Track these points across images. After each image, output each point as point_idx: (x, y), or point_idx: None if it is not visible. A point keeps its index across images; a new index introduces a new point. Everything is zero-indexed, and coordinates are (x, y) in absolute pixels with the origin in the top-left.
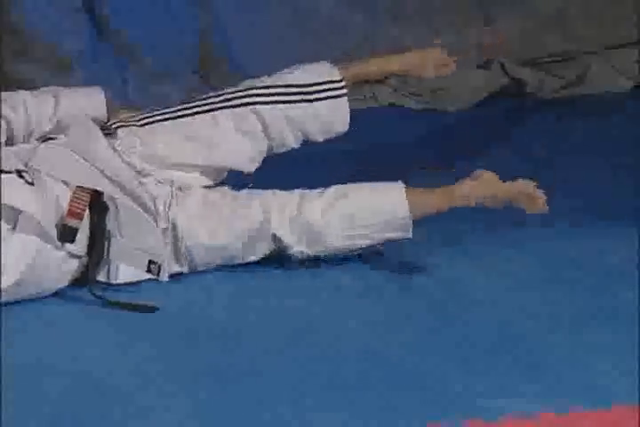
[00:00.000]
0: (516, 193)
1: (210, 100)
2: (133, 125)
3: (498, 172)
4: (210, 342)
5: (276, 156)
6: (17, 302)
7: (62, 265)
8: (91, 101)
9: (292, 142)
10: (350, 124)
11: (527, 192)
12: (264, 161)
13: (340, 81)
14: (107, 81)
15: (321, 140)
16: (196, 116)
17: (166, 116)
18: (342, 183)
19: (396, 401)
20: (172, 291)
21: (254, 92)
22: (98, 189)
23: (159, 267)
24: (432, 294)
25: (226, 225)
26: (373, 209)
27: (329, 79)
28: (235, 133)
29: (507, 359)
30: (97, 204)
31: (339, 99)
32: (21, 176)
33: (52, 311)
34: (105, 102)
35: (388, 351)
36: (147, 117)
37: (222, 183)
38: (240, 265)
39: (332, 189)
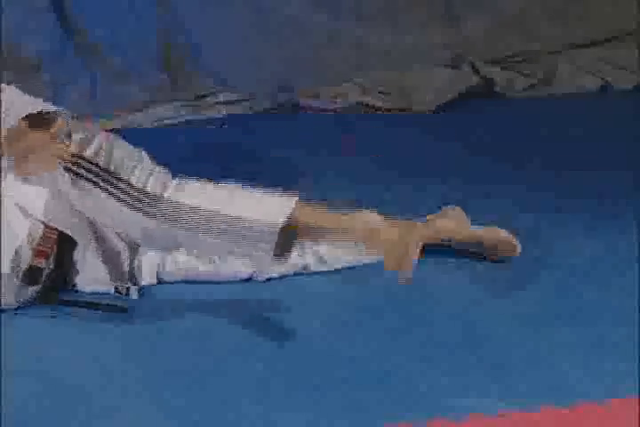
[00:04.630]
0: (490, 238)
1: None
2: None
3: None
4: (174, 343)
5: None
6: None
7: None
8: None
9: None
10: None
11: (503, 240)
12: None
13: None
14: (73, 81)
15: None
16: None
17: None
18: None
19: (361, 401)
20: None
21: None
22: (68, 233)
23: (127, 288)
24: (396, 294)
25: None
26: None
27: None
28: None
29: (471, 359)
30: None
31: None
32: None
33: (18, 312)
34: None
35: (353, 351)
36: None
37: None
38: None
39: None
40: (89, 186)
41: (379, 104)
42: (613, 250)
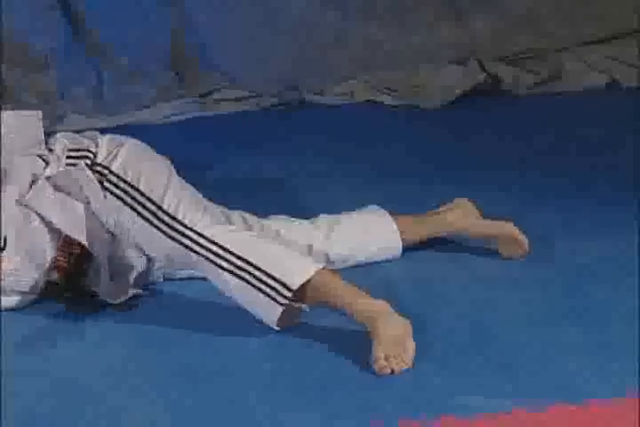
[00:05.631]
0: (499, 233)
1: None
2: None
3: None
4: (182, 342)
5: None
6: None
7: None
8: (26, 125)
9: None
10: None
11: (511, 236)
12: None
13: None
14: (80, 79)
15: None
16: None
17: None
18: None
19: (370, 400)
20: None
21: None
22: (87, 247)
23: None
24: (404, 293)
25: None
26: (367, 245)
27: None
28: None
29: (480, 358)
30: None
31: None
32: None
33: (25, 311)
34: (41, 126)
35: (361, 350)
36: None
37: None
38: None
39: (324, 220)
40: (118, 202)
41: (386, 101)
42: (622, 249)
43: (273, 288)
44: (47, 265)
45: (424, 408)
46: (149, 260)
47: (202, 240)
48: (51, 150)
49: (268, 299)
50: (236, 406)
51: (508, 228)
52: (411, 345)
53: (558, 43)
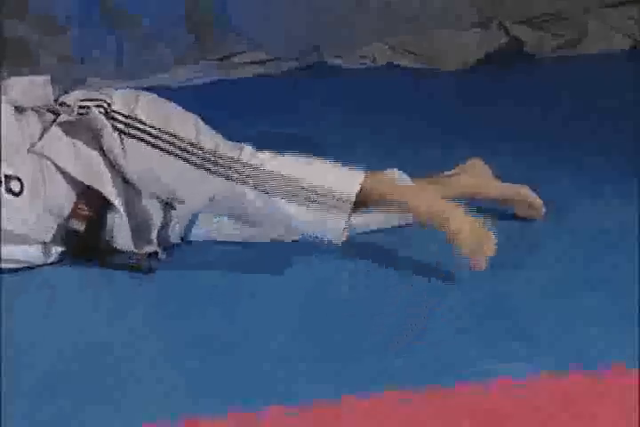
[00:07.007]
0: (514, 196)
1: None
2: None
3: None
4: (201, 312)
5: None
6: (15, 269)
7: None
8: (34, 88)
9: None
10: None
11: (527, 199)
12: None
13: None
14: (100, 44)
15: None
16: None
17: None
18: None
19: (388, 364)
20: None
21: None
22: (106, 195)
23: (148, 265)
24: (422, 261)
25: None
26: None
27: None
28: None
29: (498, 325)
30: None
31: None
32: (8, 187)
33: (44, 275)
34: (50, 89)
35: (379, 318)
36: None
37: None
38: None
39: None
40: (147, 147)
41: (407, 64)
42: None
43: (334, 205)
44: (66, 213)
45: (442, 374)
46: (167, 215)
47: (251, 171)
48: (62, 105)
49: (331, 215)
50: (255, 377)
51: (523, 190)
52: (489, 233)
53: (582, 4)
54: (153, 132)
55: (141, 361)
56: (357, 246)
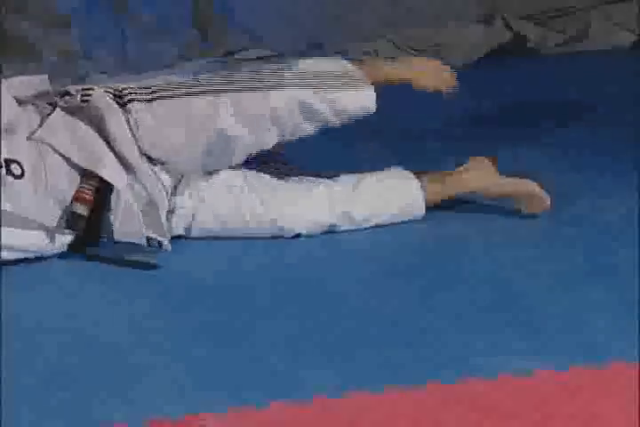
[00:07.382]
0: (519, 191)
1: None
2: (144, 100)
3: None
4: (206, 301)
5: None
6: (18, 260)
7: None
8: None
9: (309, 129)
10: None
11: (532, 193)
12: None
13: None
14: (103, 39)
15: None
16: (201, 96)
17: (172, 92)
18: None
19: (392, 358)
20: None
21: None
22: (107, 179)
23: (159, 242)
24: (428, 252)
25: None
26: (390, 204)
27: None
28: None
29: (503, 317)
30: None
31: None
32: (8, 170)
33: (51, 269)
34: (49, 86)
35: (385, 309)
36: (153, 91)
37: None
38: None
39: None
40: (167, 101)
41: None
42: None
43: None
44: (69, 198)
45: (446, 367)
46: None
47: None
48: (66, 94)
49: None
50: (260, 365)
51: (528, 186)
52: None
53: (585, 0)
54: (168, 87)
55: (144, 354)
56: (359, 242)
